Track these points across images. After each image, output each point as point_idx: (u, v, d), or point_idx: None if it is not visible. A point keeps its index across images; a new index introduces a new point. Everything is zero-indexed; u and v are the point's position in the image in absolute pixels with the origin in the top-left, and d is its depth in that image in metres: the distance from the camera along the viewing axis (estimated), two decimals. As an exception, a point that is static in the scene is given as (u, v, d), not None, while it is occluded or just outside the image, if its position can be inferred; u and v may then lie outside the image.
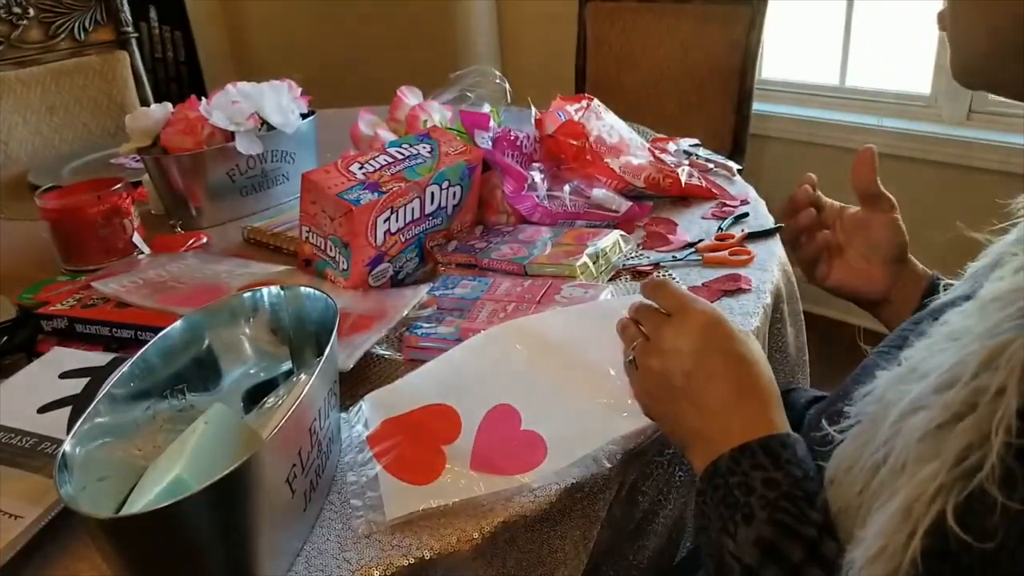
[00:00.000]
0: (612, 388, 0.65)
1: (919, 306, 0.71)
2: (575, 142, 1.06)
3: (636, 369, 0.60)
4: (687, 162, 1.16)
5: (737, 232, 0.98)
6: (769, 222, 1.01)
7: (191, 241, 1.09)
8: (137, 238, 1.04)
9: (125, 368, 0.58)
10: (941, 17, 0.55)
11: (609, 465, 0.62)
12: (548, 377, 0.68)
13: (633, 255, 0.94)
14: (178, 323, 0.63)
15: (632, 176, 1.06)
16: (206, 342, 0.65)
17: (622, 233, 0.95)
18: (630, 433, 0.63)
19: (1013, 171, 1.82)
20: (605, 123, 1.11)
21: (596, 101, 1.16)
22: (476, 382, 0.68)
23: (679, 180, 1.08)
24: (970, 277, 0.59)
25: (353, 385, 0.73)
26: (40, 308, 0.85)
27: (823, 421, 0.49)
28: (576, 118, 1.09)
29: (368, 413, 0.67)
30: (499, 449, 0.62)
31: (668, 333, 0.57)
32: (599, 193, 1.03)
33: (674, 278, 0.89)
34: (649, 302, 0.62)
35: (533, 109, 1.13)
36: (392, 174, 0.88)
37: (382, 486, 0.60)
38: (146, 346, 0.60)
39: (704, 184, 1.11)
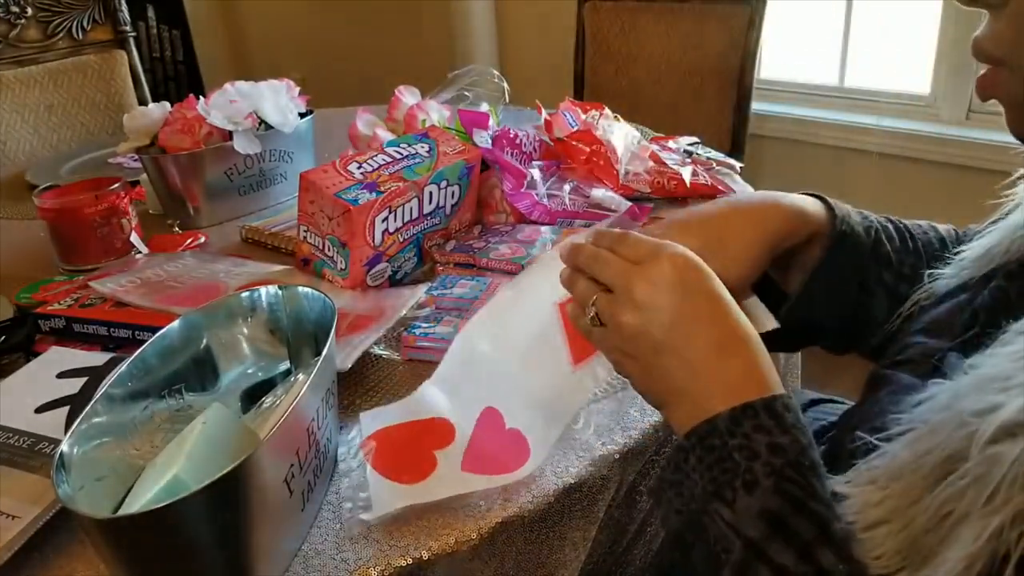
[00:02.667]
0: (564, 357, 0.63)
1: (823, 260, 0.64)
2: (586, 148, 1.06)
3: (601, 325, 0.52)
4: (689, 161, 1.16)
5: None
6: (768, 222, 1.01)
7: (189, 241, 1.08)
8: (135, 238, 1.04)
9: (123, 368, 0.57)
10: (979, 45, 0.49)
11: (608, 464, 0.62)
12: (514, 369, 0.66)
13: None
14: (176, 323, 0.63)
15: (639, 184, 1.07)
16: (204, 342, 0.65)
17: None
18: (594, 395, 0.64)
19: (1012, 171, 1.82)
20: (616, 131, 1.11)
21: (607, 109, 1.16)
22: (462, 390, 0.68)
23: (683, 181, 1.08)
24: (974, 262, 0.57)
25: (351, 385, 0.73)
26: (38, 308, 0.85)
27: (855, 433, 0.46)
28: (589, 123, 1.09)
29: (364, 423, 0.67)
30: (489, 452, 0.63)
31: (640, 283, 0.50)
32: (598, 193, 1.03)
33: None
34: (603, 251, 0.53)
35: (543, 112, 1.13)
36: (390, 174, 0.88)
37: (371, 485, 0.60)
38: (144, 346, 0.60)
39: (710, 182, 1.11)
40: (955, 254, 0.59)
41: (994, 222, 0.58)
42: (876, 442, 0.43)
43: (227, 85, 1.17)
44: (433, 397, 0.69)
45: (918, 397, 0.43)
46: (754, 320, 0.53)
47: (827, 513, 0.42)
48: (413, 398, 0.69)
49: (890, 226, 0.69)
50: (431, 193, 0.92)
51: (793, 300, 0.66)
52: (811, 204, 0.65)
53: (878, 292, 0.67)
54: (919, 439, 0.40)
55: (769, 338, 0.53)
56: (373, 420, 0.67)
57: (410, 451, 0.63)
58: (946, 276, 0.59)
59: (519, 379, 0.66)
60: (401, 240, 0.90)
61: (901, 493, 0.40)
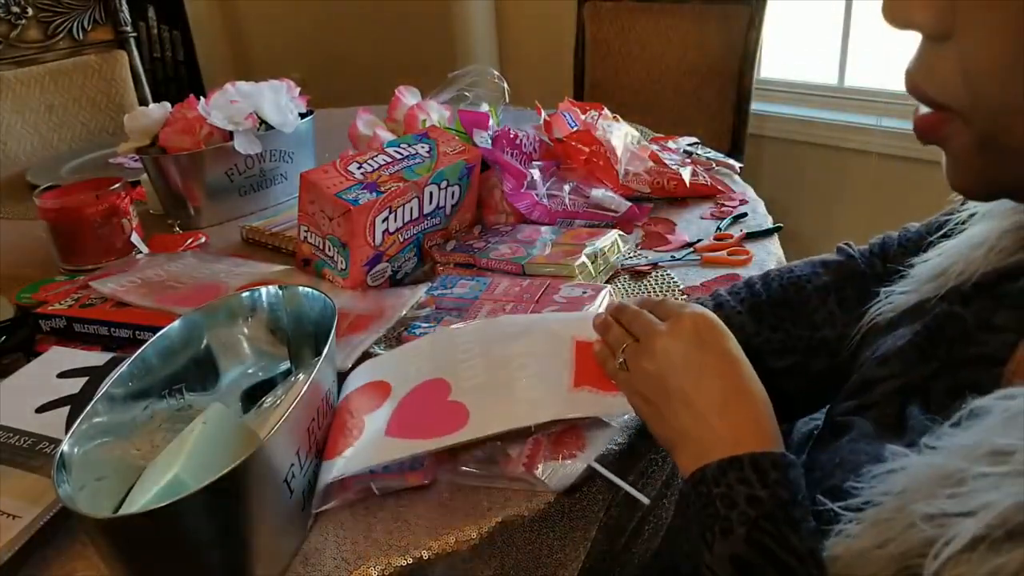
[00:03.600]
0: (567, 377, 0.64)
1: None
2: (586, 148, 1.06)
3: (627, 370, 0.58)
4: (689, 161, 1.16)
5: (736, 232, 0.98)
6: (767, 222, 1.02)
7: (189, 241, 1.09)
8: (135, 238, 1.04)
9: (123, 368, 0.58)
10: (917, 87, 0.44)
11: (608, 464, 0.62)
12: (490, 364, 0.66)
13: (631, 255, 0.94)
14: (176, 323, 0.63)
15: (639, 184, 1.07)
16: (204, 342, 0.65)
17: (621, 233, 0.95)
18: (558, 418, 0.61)
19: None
20: (615, 131, 1.11)
21: (606, 110, 1.16)
22: (416, 361, 0.68)
23: (683, 181, 1.08)
24: (929, 282, 0.55)
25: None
26: (38, 308, 0.85)
27: (815, 495, 0.46)
28: (588, 123, 1.09)
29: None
30: (418, 416, 0.62)
31: (661, 335, 0.56)
32: (598, 193, 1.03)
33: (674, 280, 0.89)
34: (641, 311, 0.60)
35: (543, 113, 1.13)
36: (390, 174, 0.88)
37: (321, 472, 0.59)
38: (144, 346, 0.60)
39: (709, 182, 1.11)
40: (908, 265, 0.57)
41: (945, 236, 0.56)
42: (838, 510, 0.43)
43: (227, 85, 1.17)
44: (386, 361, 0.69)
45: (876, 470, 0.43)
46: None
47: (797, 565, 0.43)
48: (368, 362, 0.70)
49: (767, 288, 0.69)
50: (431, 193, 0.92)
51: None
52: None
53: (795, 368, 0.67)
54: (877, 525, 0.41)
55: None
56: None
57: (342, 420, 0.62)
58: (898, 293, 0.57)
59: (490, 372, 0.65)
60: (401, 240, 0.90)
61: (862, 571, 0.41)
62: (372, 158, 0.90)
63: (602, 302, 0.78)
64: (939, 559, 0.36)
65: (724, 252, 0.93)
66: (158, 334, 0.62)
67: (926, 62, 0.42)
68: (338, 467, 0.58)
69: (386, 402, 0.64)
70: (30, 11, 1.70)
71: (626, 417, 0.64)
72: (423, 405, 0.63)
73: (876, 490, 0.42)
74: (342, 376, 0.69)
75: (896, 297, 0.57)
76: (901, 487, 0.40)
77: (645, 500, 0.59)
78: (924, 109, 0.44)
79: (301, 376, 0.69)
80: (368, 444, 0.59)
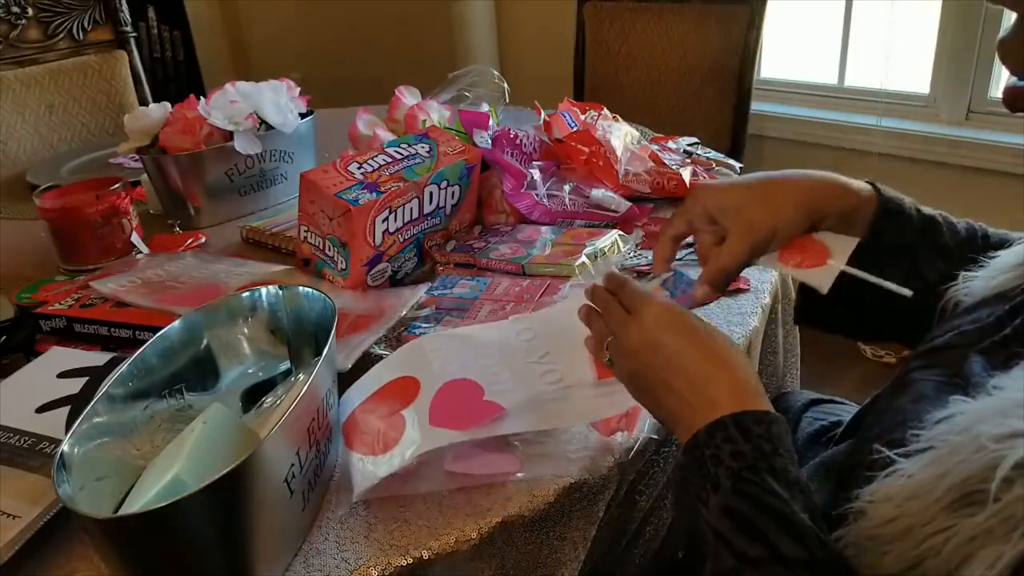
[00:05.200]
0: (590, 369, 0.66)
1: (872, 230, 0.66)
2: (586, 148, 1.06)
3: (614, 366, 0.61)
4: (689, 161, 1.16)
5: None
6: (768, 222, 1.01)
7: (189, 241, 1.09)
8: (136, 238, 1.04)
9: (123, 368, 0.57)
10: (1011, 54, 0.50)
11: (608, 464, 0.62)
12: (516, 375, 0.67)
13: (632, 255, 0.94)
14: (176, 323, 0.63)
15: (639, 184, 1.07)
16: (204, 342, 0.65)
17: (621, 233, 0.95)
18: (593, 421, 0.66)
19: (1012, 171, 1.82)
20: (615, 131, 1.11)
21: (605, 110, 1.16)
22: (440, 362, 0.68)
23: (683, 181, 1.08)
24: (1015, 268, 0.56)
25: (351, 385, 0.73)
26: (38, 308, 0.85)
27: (873, 445, 0.47)
28: (588, 123, 1.09)
29: (343, 410, 0.67)
30: (457, 408, 0.62)
31: (630, 333, 0.58)
32: (598, 193, 1.03)
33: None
34: (609, 298, 0.62)
35: (542, 113, 1.13)
36: (390, 174, 0.88)
37: (350, 467, 0.61)
38: (144, 346, 0.60)
39: (709, 182, 1.11)
40: (990, 257, 0.59)
41: None
42: (895, 456, 0.44)
43: (227, 85, 1.17)
44: (406, 356, 0.69)
45: (939, 415, 0.44)
46: (834, 245, 0.63)
47: (785, 509, 0.45)
48: (385, 361, 0.69)
49: (956, 223, 0.69)
50: (431, 193, 0.92)
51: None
52: (859, 183, 0.69)
53: (934, 281, 0.66)
54: (938, 460, 0.42)
55: (825, 316, 0.63)
56: (345, 404, 0.67)
57: (378, 418, 0.63)
58: (981, 278, 0.59)
59: (518, 383, 0.65)
60: (401, 240, 0.90)
61: (917, 513, 0.41)
62: (372, 158, 0.90)
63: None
64: (1006, 468, 0.37)
65: (724, 252, 0.92)
66: (158, 334, 0.62)
67: (1018, 35, 0.48)
68: (385, 462, 0.59)
69: (419, 396, 0.64)
70: (30, 11, 1.70)
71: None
72: (458, 400, 0.63)
73: (937, 431, 0.43)
74: (346, 378, 0.69)
75: (974, 283, 0.59)
76: (965, 425, 0.42)
77: (907, 292, 0.59)
78: (1013, 81, 0.49)
79: (301, 376, 0.69)
80: (415, 437, 0.60)
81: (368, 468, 0.60)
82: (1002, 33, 0.48)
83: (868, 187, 0.68)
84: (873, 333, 0.72)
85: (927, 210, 0.69)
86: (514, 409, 0.62)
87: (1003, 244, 0.66)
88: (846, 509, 0.46)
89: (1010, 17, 0.48)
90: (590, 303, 0.64)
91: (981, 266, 0.60)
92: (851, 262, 0.62)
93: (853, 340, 0.74)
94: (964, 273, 0.61)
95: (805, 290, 0.73)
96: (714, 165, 1.18)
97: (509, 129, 1.04)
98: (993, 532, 0.37)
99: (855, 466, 0.50)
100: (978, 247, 0.66)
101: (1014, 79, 0.49)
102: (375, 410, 0.65)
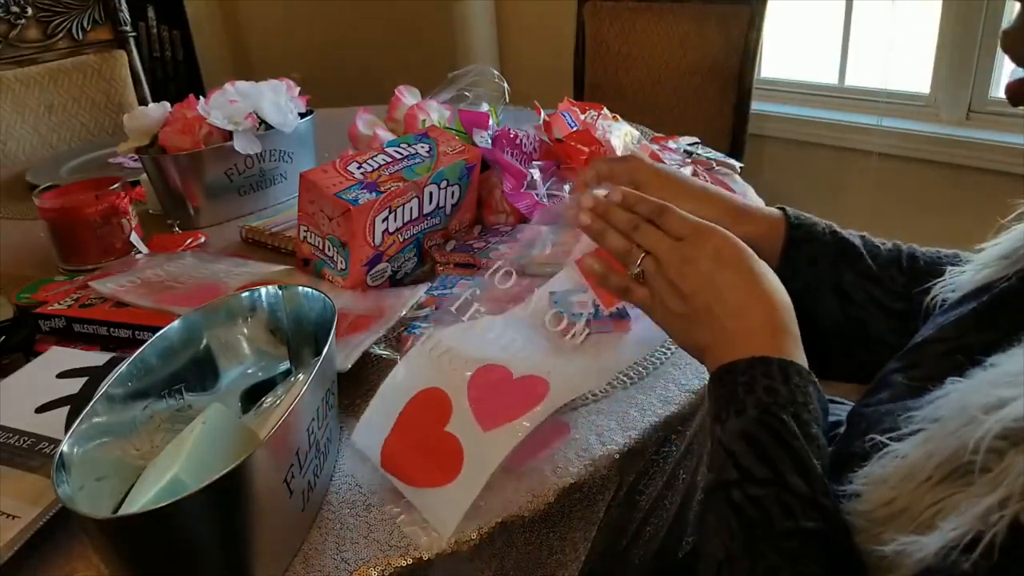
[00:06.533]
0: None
1: (785, 248, 0.67)
2: (586, 148, 1.06)
3: (643, 283, 0.59)
4: (689, 161, 1.16)
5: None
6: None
7: (189, 241, 1.08)
8: (135, 237, 1.04)
9: (123, 368, 0.57)
10: (1014, 45, 0.51)
11: (608, 464, 0.62)
12: (536, 346, 0.66)
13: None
14: (176, 323, 0.63)
15: None
16: (204, 342, 0.65)
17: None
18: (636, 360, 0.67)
19: (1012, 171, 1.82)
20: (615, 131, 1.11)
21: (605, 109, 1.16)
22: (450, 363, 0.64)
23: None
24: (997, 261, 0.56)
25: (351, 385, 0.73)
26: (38, 308, 0.85)
27: (866, 436, 0.47)
28: (588, 123, 1.09)
29: (365, 445, 0.63)
30: (499, 400, 0.60)
31: (688, 259, 0.56)
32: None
33: None
34: (644, 223, 0.60)
35: (542, 113, 1.13)
36: (390, 174, 0.88)
37: (421, 508, 0.58)
38: (144, 346, 0.60)
39: (709, 182, 1.10)
40: (976, 251, 0.59)
41: (1017, 218, 0.57)
42: (887, 441, 0.45)
43: (227, 85, 1.17)
44: (408, 371, 0.64)
45: (933, 395, 0.44)
46: None
47: (802, 452, 0.47)
48: (387, 386, 0.64)
49: (880, 246, 0.69)
50: (431, 193, 0.92)
51: None
52: (769, 209, 0.70)
53: (869, 308, 0.66)
54: (930, 438, 0.42)
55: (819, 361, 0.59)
56: (367, 439, 0.62)
57: (425, 446, 0.59)
58: (968, 272, 0.59)
59: (543, 351, 0.64)
60: (401, 240, 0.90)
61: (911, 492, 0.42)
62: (372, 158, 0.90)
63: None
64: (988, 439, 0.37)
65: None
66: (158, 334, 0.61)
67: (1022, 26, 0.48)
68: (462, 489, 0.56)
69: (453, 407, 0.61)
70: (30, 11, 1.70)
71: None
72: (494, 392, 0.61)
73: (930, 410, 0.44)
74: (346, 378, 0.69)
75: (960, 278, 0.59)
76: (958, 402, 0.42)
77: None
78: (1015, 75, 0.50)
79: (301, 376, 0.69)
80: (476, 451, 0.57)
81: (446, 503, 0.56)
82: (1006, 24, 0.49)
83: (776, 213, 0.69)
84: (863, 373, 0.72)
85: (845, 233, 0.69)
86: (553, 376, 0.61)
87: (935, 263, 0.66)
88: (841, 493, 0.46)
89: (1013, 9, 0.49)
90: (600, 217, 0.62)
91: (967, 260, 0.61)
92: None
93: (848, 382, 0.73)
94: (951, 268, 0.61)
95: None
96: (714, 165, 1.18)
97: (509, 129, 1.04)
98: (971, 487, 0.38)
99: (848, 458, 0.50)
100: (903, 269, 0.66)
101: (1018, 73, 0.50)
102: (413, 438, 0.60)
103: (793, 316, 0.56)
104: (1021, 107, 0.50)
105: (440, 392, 0.62)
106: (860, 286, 0.66)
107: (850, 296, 0.67)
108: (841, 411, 0.87)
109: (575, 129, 1.09)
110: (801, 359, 0.53)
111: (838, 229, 0.69)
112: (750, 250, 0.57)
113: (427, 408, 0.62)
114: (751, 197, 1.10)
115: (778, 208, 0.70)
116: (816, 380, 0.52)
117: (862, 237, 0.69)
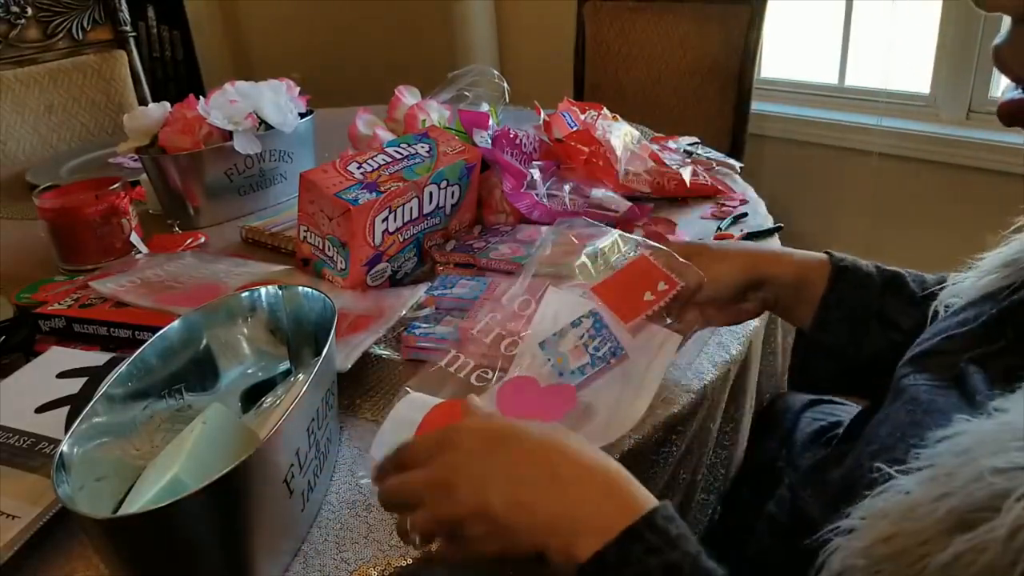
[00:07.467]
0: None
1: (830, 288, 0.67)
2: (586, 148, 1.06)
3: (428, 544, 0.50)
4: (689, 161, 1.16)
5: (736, 232, 0.98)
6: (768, 222, 1.01)
7: (189, 241, 1.08)
8: (135, 238, 1.04)
9: (123, 368, 0.57)
10: (1005, 61, 0.48)
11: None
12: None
13: (632, 255, 0.94)
14: (176, 323, 0.63)
15: (639, 184, 1.07)
16: (204, 342, 0.65)
17: (621, 233, 0.95)
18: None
19: (1012, 171, 1.82)
20: (615, 131, 1.11)
21: (605, 109, 1.16)
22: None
23: (683, 181, 1.08)
24: (998, 269, 0.56)
25: (351, 385, 0.73)
26: (38, 308, 0.85)
27: (874, 463, 0.45)
28: (588, 123, 1.09)
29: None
30: (531, 410, 0.60)
31: (445, 475, 0.47)
32: (599, 193, 1.03)
33: None
34: (395, 480, 0.50)
35: (542, 113, 1.13)
36: (390, 174, 0.88)
37: None
38: (144, 346, 0.60)
39: (710, 182, 1.11)
40: (978, 259, 0.59)
41: (1018, 229, 0.57)
42: (894, 473, 0.43)
43: (227, 85, 1.17)
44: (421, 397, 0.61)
45: (940, 434, 0.42)
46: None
47: None
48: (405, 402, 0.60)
49: (930, 278, 0.69)
50: (431, 193, 0.92)
51: (809, 327, 0.69)
52: (814, 254, 0.71)
53: (910, 328, 0.65)
54: (935, 480, 0.40)
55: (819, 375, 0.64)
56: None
57: None
58: (970, 279, 0.58)
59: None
60: (401, 240, 0.90)
61: (912, 532, 0.40)
62: (372, 158, 0.90)
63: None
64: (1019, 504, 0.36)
65: (724, 252, 0.92)
66: (157, 334, 0.61)
67: (1014, 41, 0.46)
68: None
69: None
70: (30, 11, 1.70)
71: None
72: (521, 401, 0.61)
73: (938, 449, 0.42)
74: (346, 379, 0.69)
75: (962, 284, 0.59)
76: (965, 447, 0.40)
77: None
78: (1009, 94, 0.48)
79: (301, 376, 0.69)
80: None
81: None
82: (997, 39, 0.47)
83: (821, 256, 0.70)
84: (865, 388, 0.71)
85: (889, 268, 0.70)
86: (582, 387, 0.62)
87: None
88: (839, 525, 0.44)
89: (1004, 22, 0.47)
90: (388, 494, 0.51)
91: (969, 268, 0.60)
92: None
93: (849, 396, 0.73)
94: (952, 275, 0.61)
95: (796, 351, 0.74)
96: (714, 165, 1.18)
97: (509, 129, 1.04)
98: (992, 551, 0.36)
99: (853, 484, 0.49)
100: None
101: (1010, 92, 0.47)
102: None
103: (579, 449, 0.47)
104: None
105: (462, 403, 0.59)
106: (903, 311, 0.66)
107: (894, 321, 0.67)
108: (840, 411, 0.87)
109: (575, 129, 1.09)
110: (643, 492, 0.46)
111: (894, 270, 0.70)
112: (508, 420, 0.52)
113: (451, 416, 0.59)
114: (752, 197, 1.10)
115: (825, 252, 0.70)
116: (666, 502, 0.45)
117: (907, 270, 0.70)
